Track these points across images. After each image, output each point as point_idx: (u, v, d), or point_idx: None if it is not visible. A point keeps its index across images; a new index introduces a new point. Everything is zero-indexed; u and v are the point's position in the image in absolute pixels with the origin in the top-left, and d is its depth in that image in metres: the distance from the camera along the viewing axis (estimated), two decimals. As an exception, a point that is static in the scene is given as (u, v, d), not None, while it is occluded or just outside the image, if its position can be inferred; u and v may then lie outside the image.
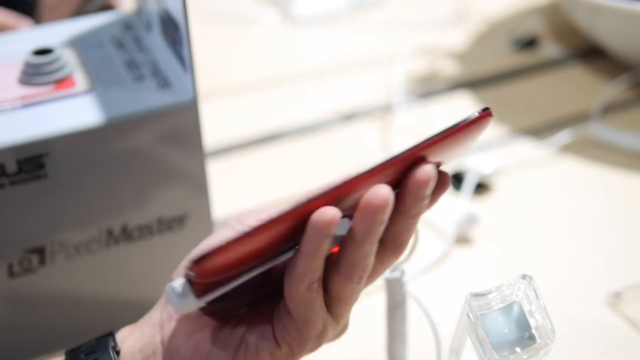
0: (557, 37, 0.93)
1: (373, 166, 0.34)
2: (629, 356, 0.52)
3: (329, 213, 0.33)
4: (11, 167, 0.45)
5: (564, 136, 0.73)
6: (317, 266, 0.35)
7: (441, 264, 0.60)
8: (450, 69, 0.88)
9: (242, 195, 0.68)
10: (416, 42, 0.93)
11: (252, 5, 1.04)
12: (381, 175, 0.34)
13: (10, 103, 0.48)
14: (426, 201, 0.36)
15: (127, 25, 0.57)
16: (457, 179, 0.68)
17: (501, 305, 0.38)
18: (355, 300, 0.38)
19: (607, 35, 0.81)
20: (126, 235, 0.51)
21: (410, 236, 0.38)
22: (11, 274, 0.48)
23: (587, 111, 0.77)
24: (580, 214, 0.66)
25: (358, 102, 0.81)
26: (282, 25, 0.99)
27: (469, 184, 0.67)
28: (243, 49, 0.95)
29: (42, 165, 0.46)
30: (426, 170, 0.35)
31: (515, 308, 0.38)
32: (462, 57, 0.90)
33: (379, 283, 0.42)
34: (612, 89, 0.79)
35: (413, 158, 0.35)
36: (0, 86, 0.50)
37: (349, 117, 0.78)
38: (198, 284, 0.33)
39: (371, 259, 0.36)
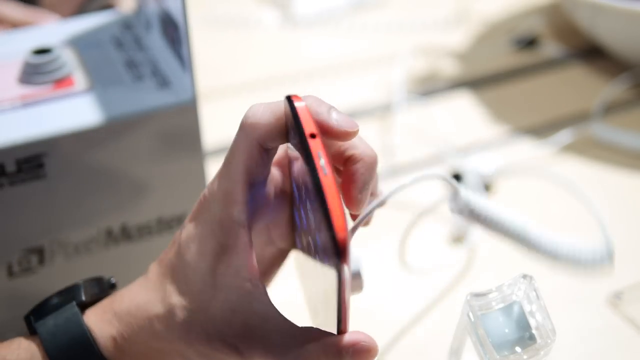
0: (557, 37, 0.93)
1: None
2: (630, 356, 0.52)
3: None
4: (10, 167, 0.45)
5: (564, 136, 0.73)
6: None
7: (441, 263, 0.60)
8: (450, 68, 0.88)
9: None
10: (416, 42, 0.93)
11: (252, 5, 1.04)
12: None
13: (9, 102, 0.48)
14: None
15: (127, 24, 0.57)
16: (457, 179, 0.68)
17: (501, 305, 0.38)
18: None
19: (608, 34, 0.81)
20: (125, 235, 0.50)
21: None
22: (10, 273, 0.48)
23: (587, 111, 0.77)
24: (581, 213, 0.65)
25: (358, 101, 0.81)
26: (282, 25, 0.99)
27: (468, 183, 0.67)
28: (243, 49, 0.95)
29: (41, 165, 0.46)
30: None
31: (516, 308, 0.38)
32: (463, 56, 0.90)
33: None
34: (613, 89, 0.79)
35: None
36: (0, 85, 0.50)
37: (349, 117, 0.78)
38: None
39: None
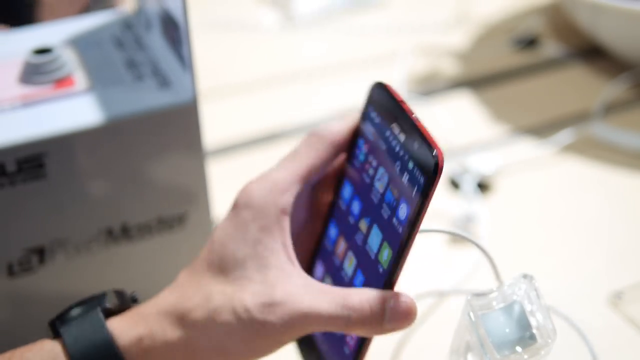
0: (557, 37, 0.93)
1: None
2: (631, 356, 0.52)
3: None
4: (11, 167, 0.45)
5: (564, 136, 0.73)
6: None
7: (441, 263, 0.60)
8: (451, 68, 0.88)
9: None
10: (416, 42, 0.93)
11: (252, 5, 1.04)
12: None
13: (10, 102, 0.48)
14: None
15: (127, 24, 0.57)
16: (454, 185, 0.67)
17: (502, 305, 0.38)
18: None
19: (608, 34, 0.81)
20: (126, 234, 0.50)
21: None
22: (11, 273, 0.48)
23: (588, 111, 0.77)
24: (582, 213, 0.65)
25: (359, 101, 0.81)
26: (282, 25, 0.99)
27: (469, 183, 0.67)
28: (243, 50, 0.95)
29: (41, 165, 0.46)
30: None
31: (516, 308, 0.38)
32: (463, 56, 0.90)
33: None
34: (613, 89, 0.79)
35: None
36: (0, 85, 0.50)
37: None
38: None
39: None
